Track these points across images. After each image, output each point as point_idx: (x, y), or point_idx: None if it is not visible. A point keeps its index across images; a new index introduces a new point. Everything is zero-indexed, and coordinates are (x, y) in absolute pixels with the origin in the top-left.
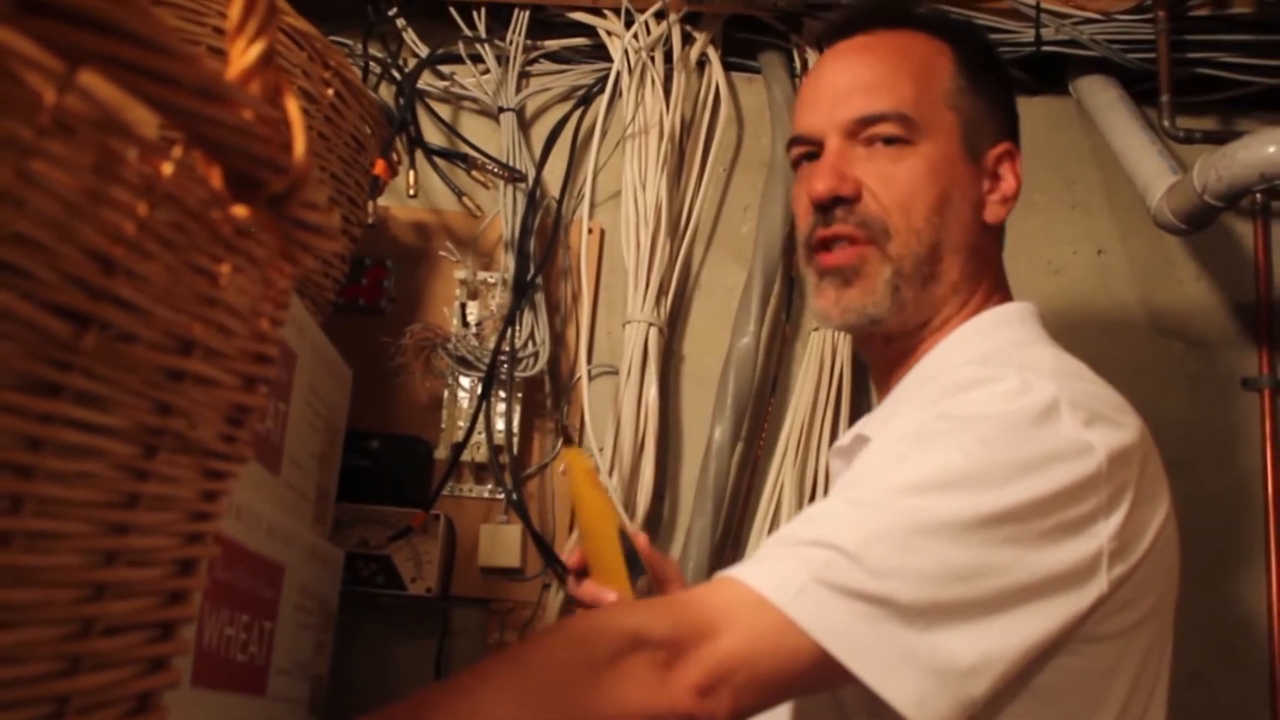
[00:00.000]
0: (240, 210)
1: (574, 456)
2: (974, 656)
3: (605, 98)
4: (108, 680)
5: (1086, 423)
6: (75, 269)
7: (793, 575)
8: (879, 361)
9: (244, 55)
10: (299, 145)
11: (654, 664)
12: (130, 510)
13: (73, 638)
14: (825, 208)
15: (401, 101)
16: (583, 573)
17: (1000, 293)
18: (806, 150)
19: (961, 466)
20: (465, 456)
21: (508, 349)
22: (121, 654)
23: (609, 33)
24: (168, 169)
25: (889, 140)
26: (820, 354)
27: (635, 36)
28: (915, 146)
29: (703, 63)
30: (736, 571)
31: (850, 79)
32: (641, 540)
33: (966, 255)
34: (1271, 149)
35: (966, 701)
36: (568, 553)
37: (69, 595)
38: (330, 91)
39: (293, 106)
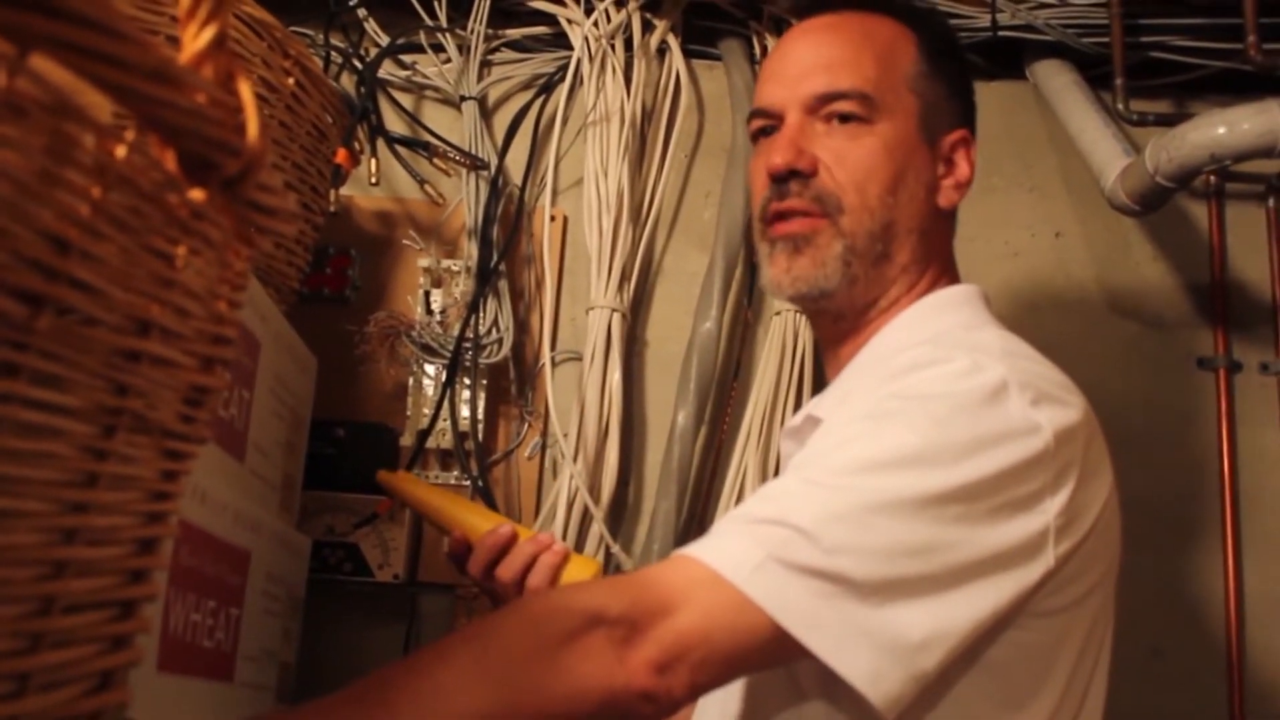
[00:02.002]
0: (195, 193)
1: (386, 476)
2: (925, 631)
3: (566, 86)
4: (69, 658)
5: (1034, 402)
6: (29, 250)
7: (749, 553)
8: (829, 339)
9: (196, 39)
10: (252, 128)
11: (611, 641)
12: (89, 489)
13: (33, 615)
14: (781, 180)
15: (363, 90)
16: (466, 553)
17: (948, 275)
18: (766, 124)
19: (913, 445)
20: (431, 443)
21: (472, 336)
22: (82, 632)
23: (569, 21)
24: (121, 152)
25: (847, 118)
26: (782, 338)
27: (595, 24)
28: (873, 126)
29: (663, 50)
30: (693, 549)
31: (814, 56)
32: None
33: (918, 237)
34: (1221, 130)
35: (918, 675)
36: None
37: (29, 573)
38: (291, 81)
39: (246, 90)
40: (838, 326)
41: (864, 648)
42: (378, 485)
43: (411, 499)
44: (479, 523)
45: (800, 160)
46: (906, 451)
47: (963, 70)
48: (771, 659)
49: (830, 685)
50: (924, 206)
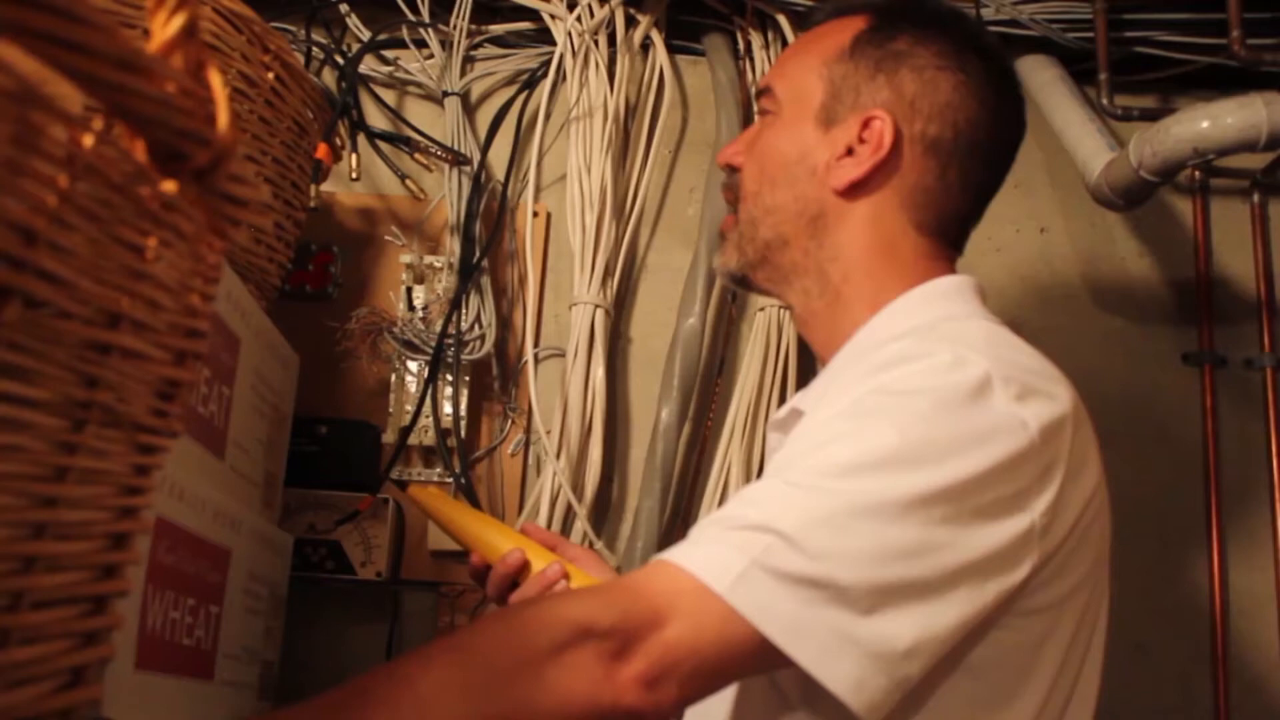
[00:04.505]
0: (166, 184)
1: (417, 490)
2: (913, 638)
3: (549, 81)
4: (39, 654)
5: (1019, 398)
6: None
7: (733, 561)
8: (808, 337)
9: (165, 28)
10: (222, 118)
11: (600, 656)
12: (59, 483)
13: (2, 611)
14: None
15: (344, 85)
16: (485, 573)
17: (916, 265)
18: None
19: (896, 445)
20: (413, 440)
21: (454, 332)
22: (52, 627)
23: (552, 16)
24: (89, 141)
25: (762, 113)
26: (766, 334)
27: (578, 20)
28: (775, 117)
29: (646, 45)
30: (676, 556)
31: None
32: (530, 527)
33: (813, 223)
34: (1204, 124)
35: (903, 682)
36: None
37: None
38: (271, 75)
39: (216, 79)
40: (795, 315)
41: (849, 656)
42: (363, 484)
43: (438, 515)
44: (501, 545)
45: (733, 158)
46: (889, 451)
47: (924, 47)
48: (758, 667)
49: (812, 692)
50: (814, 191)
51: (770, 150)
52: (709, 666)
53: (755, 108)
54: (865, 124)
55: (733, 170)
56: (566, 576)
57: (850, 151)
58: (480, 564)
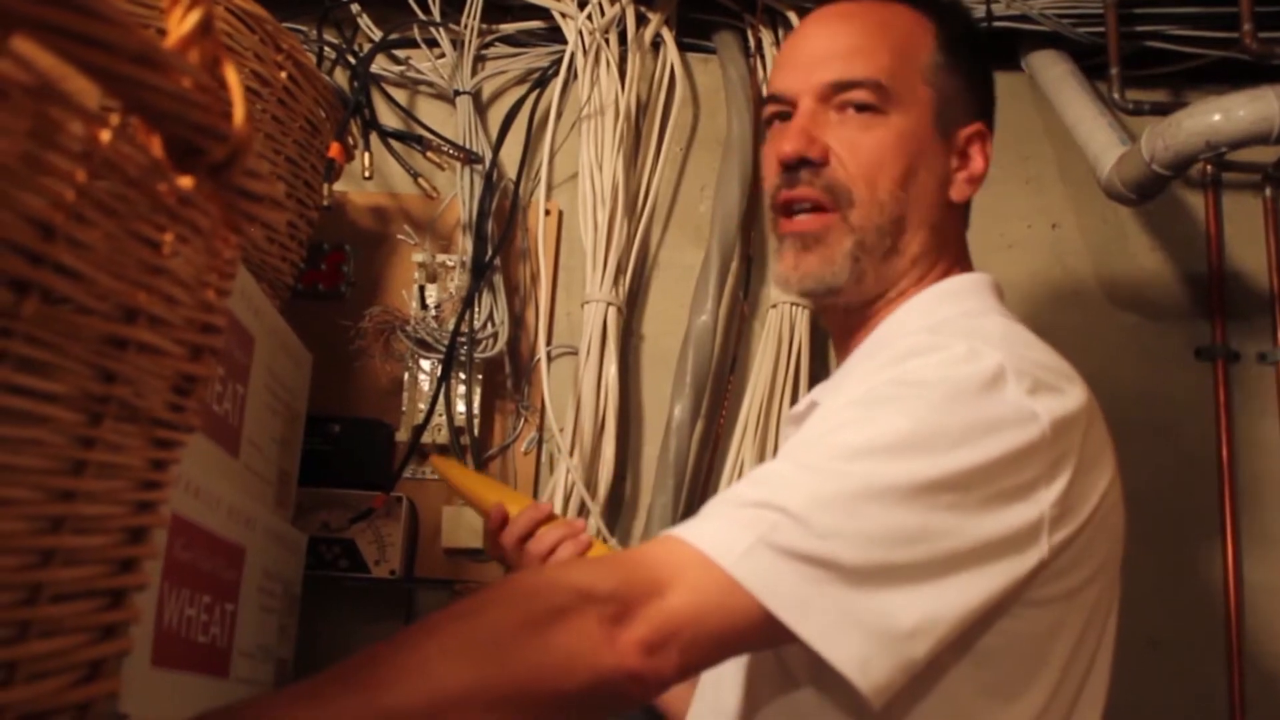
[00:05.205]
0: (183, 179)
1: (439, 462)
2: (915, 619)
3: (560, 80)
4: (58, 647)
5: (1031, 391)
6: (14, 235)
7: (739, 536)
8: (837, 330)
9: (181, 23)
10: (238, 113)
11: (601, 620)
12: (77, 477)
13: (21, 604)
14: (791, 168)
15: (356, 84)
16: (502, 525)
17: (960, 267)
18: (779, 110)
19: (907, 431)
20: (426, 438)
21: (467, 331)
22: (71, 621)
23: (563, 15)
24: (106, 136)
25: (861, 107)
26: (778, 331)
27: (589, 18)
28: (887, 117)
29: (657, 43)
30: (683, 531)
31: (830, 43)
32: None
33: (929, 231)
34: (1216, 117)
35: (907, 663)
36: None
37: (16, 561)
38: (283, 75)
39: (232, 75)
40: (847, 319)
41: (854, 635)
42: (377, 482)
43: (458, 482)
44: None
45: (811, 149)
46: (900, 437)
47: (983, 62)
48: (761, 642)
49: (819, 672)
50: (936, 200)
51: (897, 155)
52: (711, 636)
53: (830, 98)
54: (974, 138)
55: (805, 162)
56: (591, 545)
57: (961, 163)
58: (500, 517)
